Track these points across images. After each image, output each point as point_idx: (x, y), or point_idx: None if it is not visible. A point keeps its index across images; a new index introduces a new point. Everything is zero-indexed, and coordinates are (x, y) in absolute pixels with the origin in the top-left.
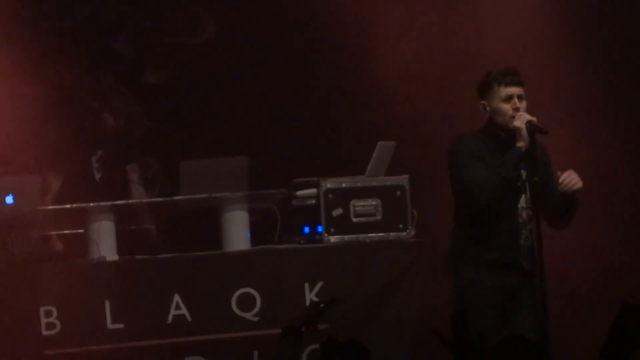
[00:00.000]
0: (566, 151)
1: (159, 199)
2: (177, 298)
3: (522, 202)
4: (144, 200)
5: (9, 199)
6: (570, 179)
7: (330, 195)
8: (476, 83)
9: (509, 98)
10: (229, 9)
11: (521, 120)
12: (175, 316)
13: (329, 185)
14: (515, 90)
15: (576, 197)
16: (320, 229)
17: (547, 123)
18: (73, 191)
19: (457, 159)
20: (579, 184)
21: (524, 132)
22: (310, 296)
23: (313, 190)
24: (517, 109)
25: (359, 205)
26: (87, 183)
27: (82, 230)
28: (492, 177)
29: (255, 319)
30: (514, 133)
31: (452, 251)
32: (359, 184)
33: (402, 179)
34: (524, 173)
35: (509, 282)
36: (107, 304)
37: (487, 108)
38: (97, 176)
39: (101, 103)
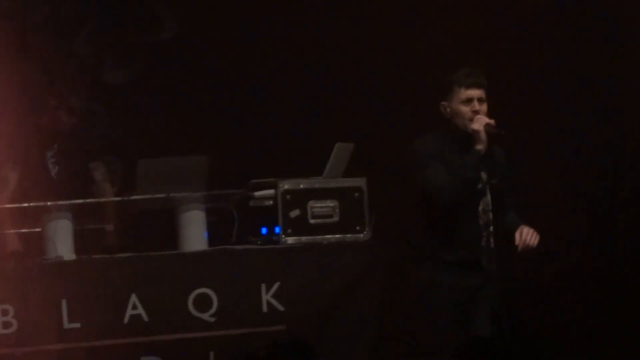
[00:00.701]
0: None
1: (117, 198)
2: (134, 298)
3: (483, 204)
4: (102, 200)
5: None
6: (527, 239)
7: (287, 197)
8: (437, 84)
9: (468, 100)
10: (190, 8)
11: (479, 123)
12: (132, 316)
13: (286, 187)
14: (475, 92)
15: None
16: (277, 230)
17: (507, 125)
18: (30, 186)
19: (417, 160)
20: (536, 240)
21: (483, 135)
22: (266, 297)
23: (271, 191)
24: (476, 112)
25: (316, 206)
26: (43, 178)
27: (39, 229)
28: (451, 178)
29: (212, 319)
30: (472, 136)
31: (411, 252)
32: (316, 185)
33: (360, 181)
34: (484, 176)
35: (469, 282)
36: (64, 303)
37: (448, 109)
38: (53, 171)
39: (59, 102)
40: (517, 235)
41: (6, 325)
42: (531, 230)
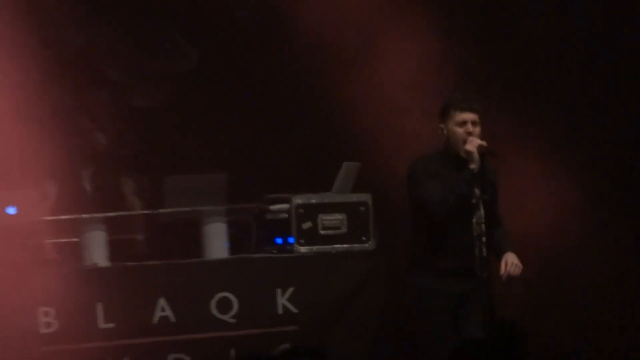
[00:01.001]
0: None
1: (146, 211)
2: (162, 301)
3: (477, 217)
4: (133, 213)
5: (11, 210)
6: (510, 270)
7: (300, 210)
8: (439, 107)
9: (463, 123)
10: (210, 41)
11: (472, 144)
12: (160, 317)
13: (299, 201)
14: (469, 116)
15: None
16: (291, 240)
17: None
18: (67, 200)
19: (415, 178)
20: (518, 270)
21: (476, 155)
22: (282, 300)
23: (285, 205)
24: (469, 134)
25: (326, 219)
26: (79, 193)
27: (77, 239)
28: (446, 195)
29: (233, 320)
30: (462, 157)
31: (409, 260)
32: (326, 200)
33: (366, 196)
34: (477, 191)
35: (460, 288)
36: (100, 306)
37: (444, 130)
38: (88, 188)
39: (94, 123)
40: (502, 265)
41: (48, 325)
42: (515, 261)
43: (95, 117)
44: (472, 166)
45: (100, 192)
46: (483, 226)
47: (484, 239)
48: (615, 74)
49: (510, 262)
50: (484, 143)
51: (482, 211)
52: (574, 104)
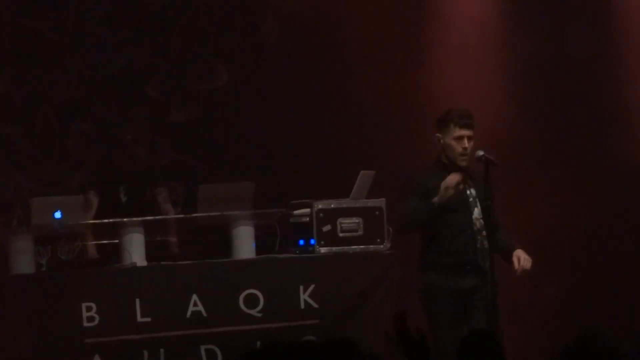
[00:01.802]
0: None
1: (181, 216)
2: (194, 297)
3: (476, 213)
4: (169, 217)
5: (58, 214)
6: (524, 265)
7: (321, 214)
8: (437, 118)
9: (460, 138)
10: (238, 60)
11: (450, 182)
12: (192, 312)
13: (320, 206)
14: (466, 132)
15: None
16: (312, 241)
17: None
18: (107, 210)
19: (404, 191)
20: (530, 263)
21: (449, 193)
22: (304, 296)
23: (307, 210)
24: (465, 148)
25: (344, 222)
26: (116, 205)
27: (117, 241)
28: (411, 218)
29: (259, 315)
30: (458, 166)
31: (419, 260)
32: (344, 205)
33: (380, 202)
34: (473, 192)
35: (467, 284)
36: (137, 301)
37: (441, 141)
38: (123, 200)
39: (134, 137)
40: (514, 260)
41: (90, 319)
42: (526, 256)
43: (135, 132)
44: (435, 200)
45: (136, 202)
46: (482, 221)
47: (484, 232)
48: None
49: (523, 258)
50: (482, 153)
51: (479, 208)
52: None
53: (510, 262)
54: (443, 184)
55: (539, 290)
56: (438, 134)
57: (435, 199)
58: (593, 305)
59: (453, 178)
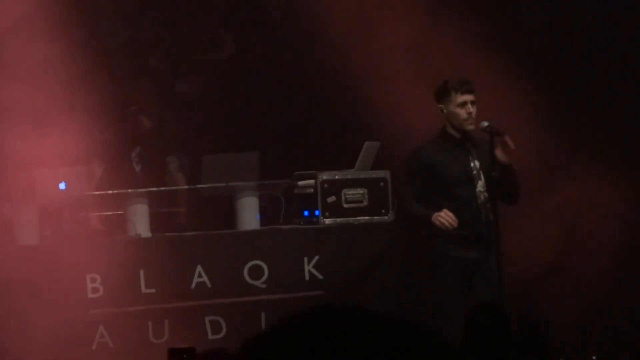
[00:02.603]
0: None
1: (185, 187)
2: (199, 268)
3: (480, 186)
4: (173, 188)
5: (62, 186)
6: (509, 143)
7: (325, 185)
8: (434, 89)
9: (463, 104)
10: (244, 32)
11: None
12: (197, 283)
13: (324, 177)
14: (469, 97)
15: (516, 181)
16: (317, 213)
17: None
18: (114, 179)
19: (407, 172)
20: (512, 146)
21: (437, 223)
22: (308, 268)
23: (311, 181)
24: (470, 114)
25: (349, 193)
26: (127, 173)
27: (121, 212)
28: (407, 206)
29: (263, 286)
30: (465, 133)
31: (425, 231)
32: (349, 176)
33: (385, 173)
34: (478, 163)
35: (473, 255)
36: (142, 273)
37: (444, 111)
38: (137, 168)
39: (139, 107)
40: (497, 145)
41: (94, 290)
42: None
43: (140, 102)
44: (433, 216)
45: (146, 172)
46: (487, 194)
47: (489, 205)
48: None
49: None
50: (488, 124)
51: (483, 180)
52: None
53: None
54: (435, 219)
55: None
56: (440, 105)
57: (429, 218)
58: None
59: (447, 222)
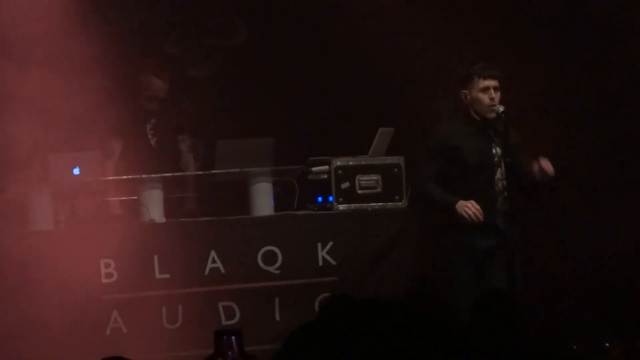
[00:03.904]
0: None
1: (200, 172)
2: (213, 254)
3: (499, 174)
4: (187, 173)
5: (76, 171)
6: (546, 168)
7: (339, 171)
8: (458, 75)
9: (486, 89)
10: (257, 17)
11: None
12: (211, 269)
13: (338, 163)
14: (492, 82)
15: (541, 184)
16: (331, 198)
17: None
18: (132, 155)
19: (427, 152)
20: (552, 172)
21: (462, 212)
22: (322, 253)
23: (325, 167)
24: (492, 99)
25: (363, 179)
26: (144, 148)
27: (136, 197)
28: (433, 194)
29: (277, 272)
30: (488, 119)
31: (438, 217)
32: (363, 162)
33: (399, 159)
34: (499, 150)
35: (487, 243)
36: (156, 258)
37: (468, 97)
38: (152, 141)
39: (148, 68)
40: (534, 164)
41: (108, 275)
42: (549, 164)
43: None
44: (452, 204)
45: (162, 147)
46: (505, 182)
47: (506, 194)
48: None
49: (545, 162)
50: (504, 109)
51: (503, 168)
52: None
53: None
54: (460, 208)
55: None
56: (464, 91)
57: (453, 205)
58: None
59: (473, 214)
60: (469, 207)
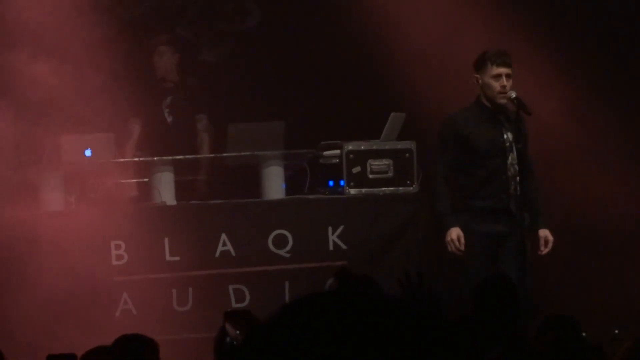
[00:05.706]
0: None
1: (211, 155)
2: (223, 237)
3: (511, 159)
4: (198, 156)
5: (88, 153)
6: (550, 248)
7: (351, 156)
8: (474, 58)
9: (498, 76)
10: (269, 0)
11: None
12: (222, 251)
13: (350, 147)
14: (504, 70)
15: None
16: (342, 183)
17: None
18: (150, 133)
19: (440, 140)
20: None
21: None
22: (332, 237)
23: (337, 151)
24: (504, 86)
25: (374, 164)
26: (160, 126)
27: (147, 180)
28: (437, 185)
29: (288, 255)
30: (499, 105)
31: (451, 202)
32: (374, 147)
33: (411, 144)
34: (511, 135)
35: (499, 229)
36: (166, 240)
37: (480, 81)
38: (169, 119)
39: (150, 50)
40: (541, 242)
41: (119, 257)
42: (551, 238)
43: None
44: (447, 217)
45: (178, 125)
46: (517, 166)
47: (517, 178)
48: None
49: (550, 241)
50: (516, 95)
51: (515, 153)
52: None
53: (535, 235)
54: (447, 237)
55: None
56: (476, 75)
57: (447, 226)
58: None
59: (451, 247)
60: (453, 242)
